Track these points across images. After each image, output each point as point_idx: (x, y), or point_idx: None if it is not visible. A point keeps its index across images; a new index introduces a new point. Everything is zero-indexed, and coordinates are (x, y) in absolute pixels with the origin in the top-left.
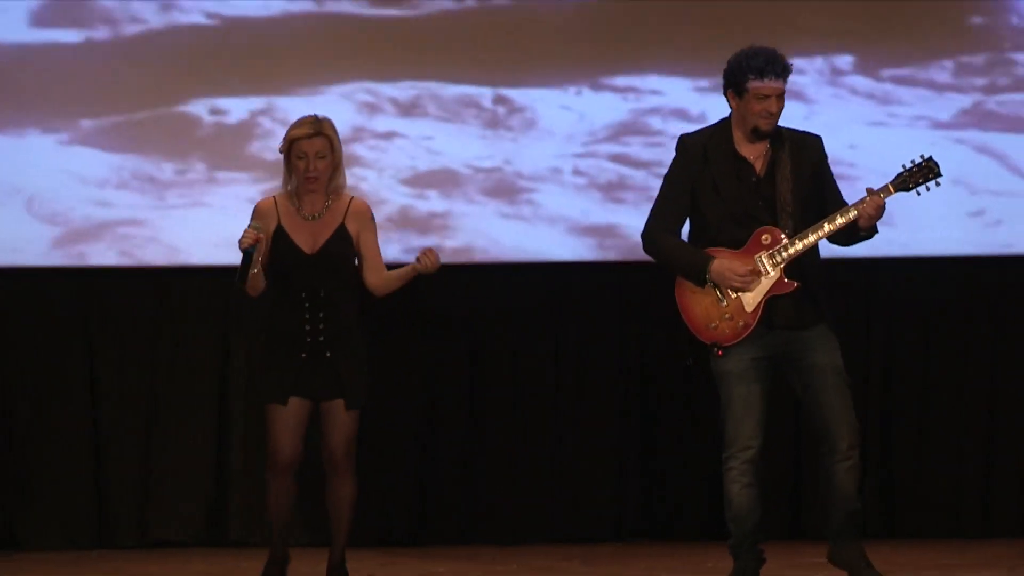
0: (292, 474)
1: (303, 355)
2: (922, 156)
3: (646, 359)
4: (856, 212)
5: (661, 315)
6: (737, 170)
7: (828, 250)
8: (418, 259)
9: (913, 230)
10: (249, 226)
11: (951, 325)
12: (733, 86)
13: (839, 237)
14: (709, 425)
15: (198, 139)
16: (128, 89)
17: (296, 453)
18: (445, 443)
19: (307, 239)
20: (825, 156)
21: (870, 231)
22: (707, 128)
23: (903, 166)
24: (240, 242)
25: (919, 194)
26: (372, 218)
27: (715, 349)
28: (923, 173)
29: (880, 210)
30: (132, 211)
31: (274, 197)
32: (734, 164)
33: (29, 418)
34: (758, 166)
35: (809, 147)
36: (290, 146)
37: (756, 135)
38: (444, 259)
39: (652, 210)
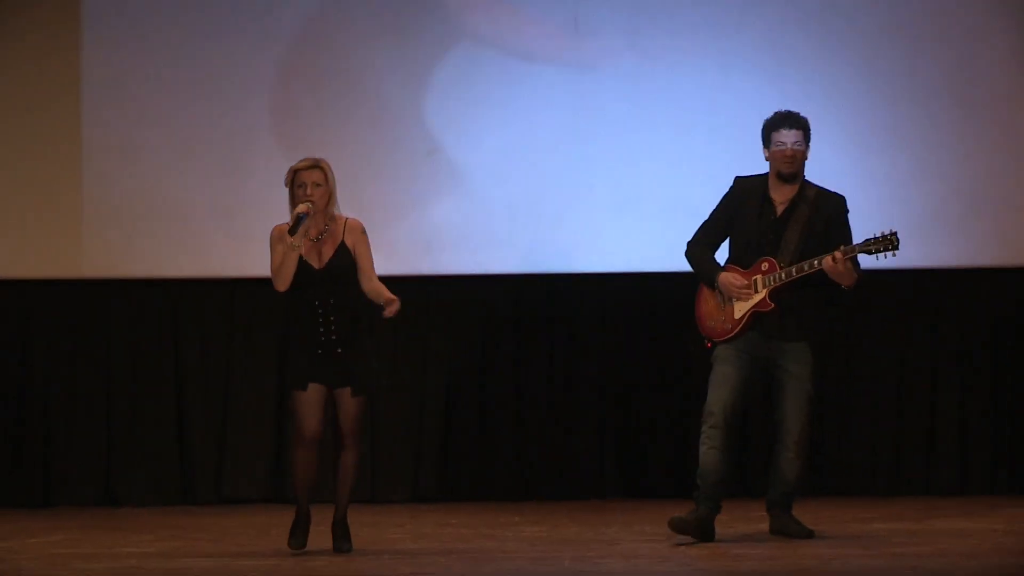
0: (316, 446)
1: (318, 351)
2: (890, 229)
3: (624, 354)
4: (822, 262)
5: (635, 318)
6: (762, 209)
7: None
8: (386, 308)
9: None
10: (305, 201)
11: (867, 323)
12: (764, 140)
13: (833, 284)
14: (675, 404)
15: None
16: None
17: (318, 429)
18: (463, 421)
19: (315, 257)
20: (844, 213)
21: (847, 286)
22: (757, 174)
23: (874, 234)
24: (297, 208)
25: (877, 259)
26: (364, 232)
27: (706, 341)
28: (884, 244)
29: (837, 265)
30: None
31: (288, 223)
32: (761, 204)
33: (126, 400)
34: (780, 209)
35: (830, 204)
36: (292, 177)
37: (780, 178)
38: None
39: (699, 228)
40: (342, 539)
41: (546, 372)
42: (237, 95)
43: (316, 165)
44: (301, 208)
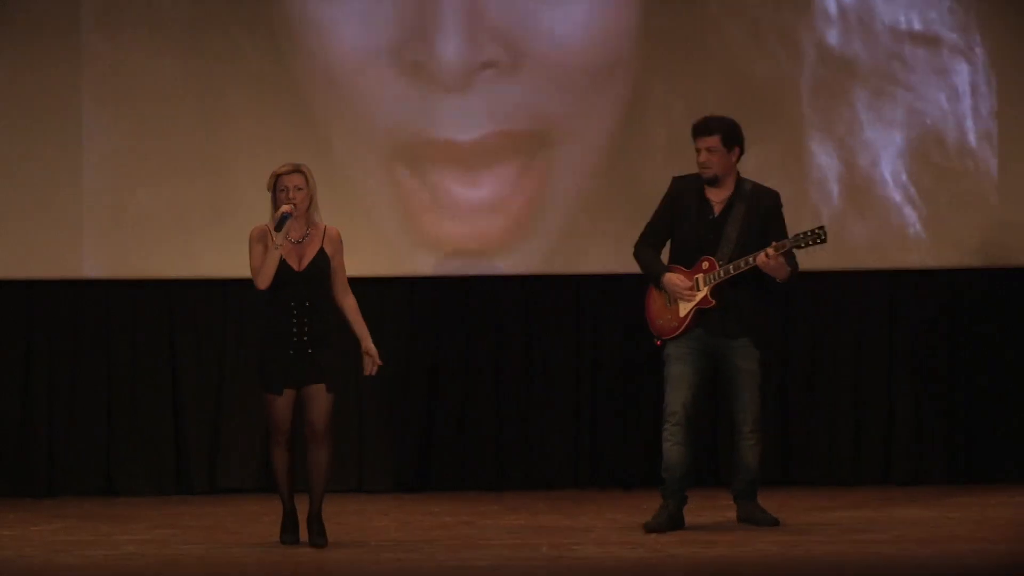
0: (291, 444)
1: (290, 352)
2: (819, 225)
3: (598, 350)
4: (756, 258)
5: (608, 317)
6: (700, 209)
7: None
8: (365, 354)
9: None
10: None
11: (827, 321)
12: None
13: (768, 278)
14: (645, 399)
15: None
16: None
17: (290, 429)
18: (446, 413)
19: (295, 259)
20: (778, 207)
21: (782, 279)
22: (694, 174)
23: (803, 231)
24: (281, 208)
25: (807, 252)
26: (341, 242)
27: (655, 340)
28: (812, 238)
29: (770, 260)
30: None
31: (267, 225)
32: (699, 204)
33: (125, 395)
34: (717, 209)
35: (764, 199)
36: (275, 181)
37: (704, 180)
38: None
39: (644, 228)
40: (318, 535)
41: (523, 368)
42: (233, 100)
43: (297, 169)
44: (285, 208)
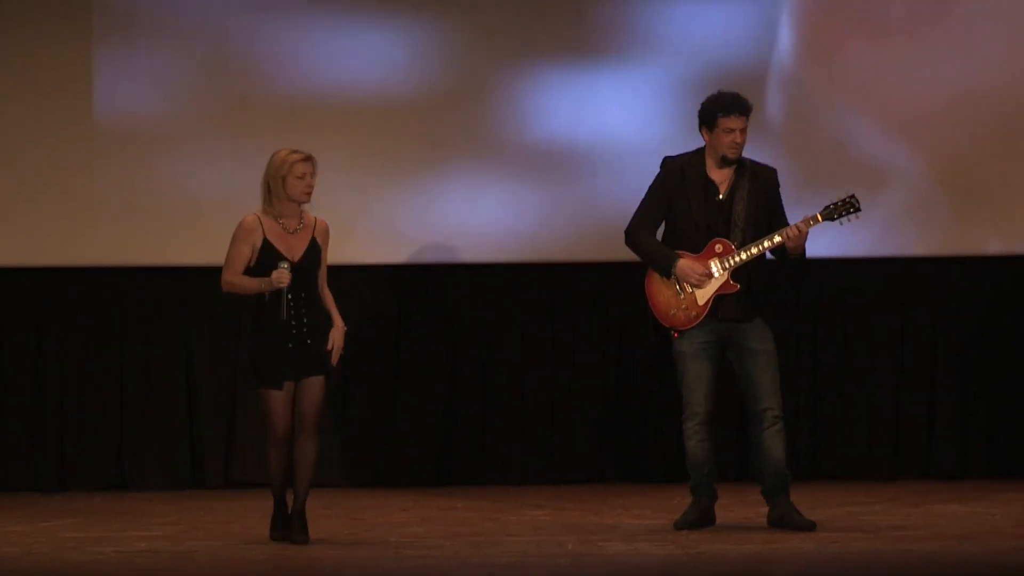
0: (288, 443)
1: (289, 344)
2: (849, 193)
3: (623, 341)
4: (784, 235)
5: (633, 307)
6: (705, 190)
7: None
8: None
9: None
10: (280, 267)
11: (866, 309)
12: (706, 123)
13: (778, 256)
14: (672, 391)
15: None
16: None
17: (290, 426)
18: (466, 407)
19: (289, 249)
20: (778, 185)
21: (798, 255)
22: (687, 153)
23: (832, 201)
24: (279, 281)
25: (842, 224)
26: (329, 235)
27: (672, 332)
28: (847, 207)
29: (801, 236)
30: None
31: (256, 215)
32: (704, 185)
33: (138, 387)
34: (723, 188)
35: (766, 177)
36: (290, 168)
37: (724, 162)
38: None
39: (636, 212)
40: (300, 531)
41: (548, 359)
42: (248, 84)
43: (311, 157)
44: (285, 279)
